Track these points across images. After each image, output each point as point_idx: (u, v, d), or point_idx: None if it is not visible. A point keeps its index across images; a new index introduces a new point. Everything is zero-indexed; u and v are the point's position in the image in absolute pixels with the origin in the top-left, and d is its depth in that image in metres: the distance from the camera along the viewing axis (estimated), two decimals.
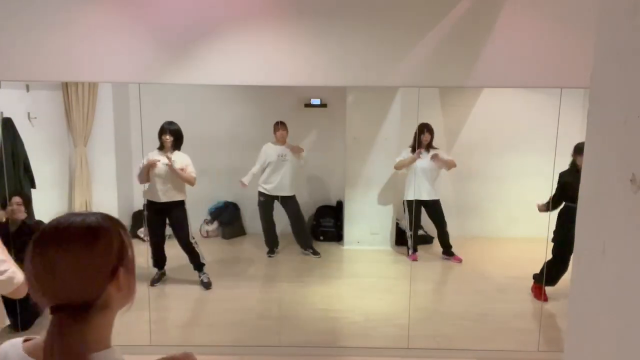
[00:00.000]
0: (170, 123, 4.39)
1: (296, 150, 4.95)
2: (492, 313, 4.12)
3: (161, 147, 4.40)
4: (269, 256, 5.15)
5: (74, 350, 0.91)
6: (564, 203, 4.15)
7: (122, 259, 1.00)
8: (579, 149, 4.09)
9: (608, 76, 0.88)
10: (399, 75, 3.24)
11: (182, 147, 4.54)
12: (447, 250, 5.03)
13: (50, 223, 0.99)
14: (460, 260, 4.99)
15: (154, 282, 4.40)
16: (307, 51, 3.23)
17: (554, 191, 4.11)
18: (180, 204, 4.44)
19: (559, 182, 4.13)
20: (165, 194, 4.34)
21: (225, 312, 4.08)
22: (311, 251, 5.18)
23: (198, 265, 4.51)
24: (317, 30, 3.22)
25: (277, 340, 3.62)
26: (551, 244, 4.13)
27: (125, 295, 1.01)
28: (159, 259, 4.48)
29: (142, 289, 4.22)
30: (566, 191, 4.10)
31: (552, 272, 4.17)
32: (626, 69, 0.81)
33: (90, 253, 0.96)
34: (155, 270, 4.48)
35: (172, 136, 4.36)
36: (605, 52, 0.89)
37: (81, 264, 0.94)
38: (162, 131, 4.36)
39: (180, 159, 4.39)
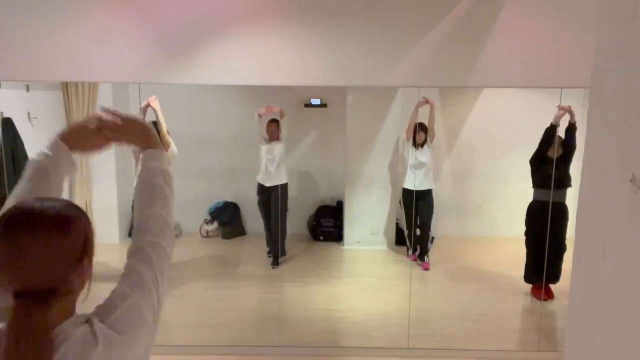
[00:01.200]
0: (152, 123, 4.32)
1: (282, 114, 4.81)
2: (492, 313, 4.12)
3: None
4: (269, 256, 5.15)
5: (38, 332, 0.92)
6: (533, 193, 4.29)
7: (87, 249, 1.02)
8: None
9: (608, 76, 0.88)
10: (399, 75, 3.24)
11: (182, 147, 4.52)
12: (421, 255, 4.95)
13: (18, 207, 0.98)
14: (427, 268, 4.87)
15: None
16: (307, 51, 3.23)
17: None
18: None
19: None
20: None
21: (225, 312, 4.08)
22: (272, 259, 5.03)
23: None
24: (317, 30, 3.21)
25: (277, 340, 3.62)
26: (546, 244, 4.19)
27: (85, 280, 1.03)
28: None
29: None
30: (535, 176, 4.26)
31: (530, 268, 4.23)
32: (626, 69, 0.81)
33: (62, 240, 0.97)
34: None
35: None
36: (605, 52, 0.89)
37: (52, 251, 0.95)
38: None
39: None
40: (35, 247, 0.94)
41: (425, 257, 4.93)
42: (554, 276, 4.13)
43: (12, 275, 0.94)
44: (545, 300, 4.16)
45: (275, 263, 5.01)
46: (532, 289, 4.32)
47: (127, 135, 1.32)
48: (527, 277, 4.31)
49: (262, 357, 3.48)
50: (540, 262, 4.07)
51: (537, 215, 4.19)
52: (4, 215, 0.97)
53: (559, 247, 4.08)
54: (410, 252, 5.08)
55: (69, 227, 0.98)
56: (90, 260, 1.03)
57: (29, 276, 0.94)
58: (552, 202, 3.94)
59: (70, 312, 1.01)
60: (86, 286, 1.05)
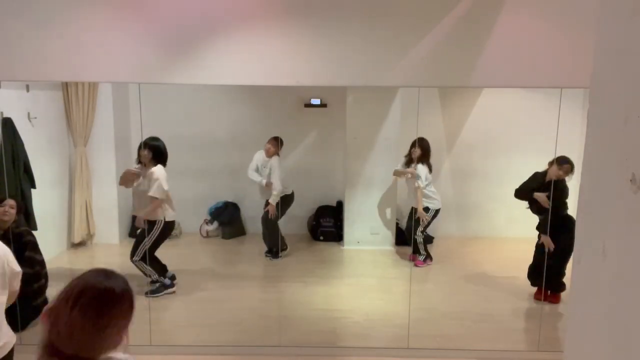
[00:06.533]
0: (153, 139, 4.18)
1: (268, 186, 4.99)
2: (492, 313, 4.12)
3: (140, 161, 4.24)
4: (267, 256, 5.17)
5: None
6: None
7: (130, 322, 1.17)
8: (559, 161, 4.08)
9: (608, 76, 0.88)
10: (399, 75, 3.24)
11: (182, 147, 4.51)
12: (413, 252, 5.02)
13: (90, 280, 1.12)
14: (415, 262, 4.94)
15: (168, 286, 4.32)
16: (307, 51, 3.23)
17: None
18: (152, 223, 4.21)
19: (527, 182, 4.26)
20: (139, 210, 4.23)
21: (225, 312, 4.08)
22: (270, 256, 5.12)
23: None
24: (317, 30, 3.22)
25: (277, 340, 3.62)
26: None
27: (116, 346, 1.15)
28: (161, 268, 4.35)
29: (142, 290, 4.22)
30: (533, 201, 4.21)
31: (535, 275, 4.23)
32: (626, 69, 0.81)
33: (125, 322, 1.13)
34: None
35: (150, 151, 4.15)
36: (605, 52, 0.89)
37: (115, 330, 1.11)
38: (141, 147, 4.16)
39: (153, 172, 4.16)
40: (109, 328, 1.09)
41: (418, 256, 4.97)
42: (559, 285, 4.12)
43: (79, 345, 1.06)
44: (552, 303, 4.16)
45: (275, 256, 5.07)
46: (536, 294, 4.29)
47: None
48: (533, 281, 4.30)
49: (262, 357, 3.48)
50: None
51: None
52: (82, 287, 1.10)
53: (566, 255, 4.02)
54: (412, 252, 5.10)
55: (131, 307, 1.15)
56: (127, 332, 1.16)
57: (91, 347, 1.07)
58: (558, 216, 3.94)
59: None
60: None
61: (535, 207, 4.20)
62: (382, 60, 3.22)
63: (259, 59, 3.22)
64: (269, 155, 5.01)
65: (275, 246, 5.09)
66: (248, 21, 3.20)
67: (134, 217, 4.53)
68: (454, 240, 5.43)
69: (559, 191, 4.01)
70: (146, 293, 4.19)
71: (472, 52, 3.19)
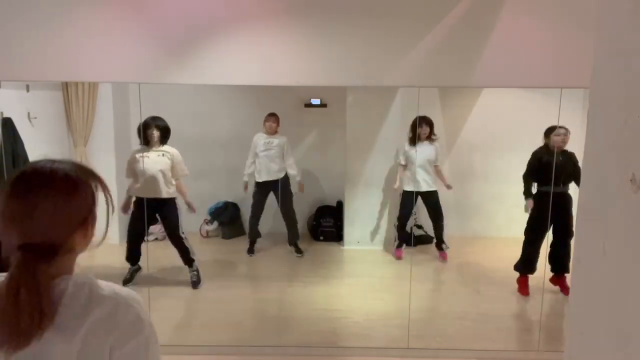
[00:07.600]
0: (155, 118, 4.27)
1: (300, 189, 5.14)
2: (492, 313, 4.12)
3: (146, 143, 4.27)
4: (249, 255, 5.20)
5: (40, 283, 0.98)
6: (535, 187, 4.34)
7: (92, 210, 1.09)
8: (549, 131, 4.25)
9: (608, 76, 0.88)
10: (399, 75, 3.24)
11: (182, 147, 4.52)
12: (439, 244, 5.07)
13: (29, 166, 1.05)
14: (444, 258, 5.04)
15: (126, 281, 4.29)
16: (307, 51, 3.22)
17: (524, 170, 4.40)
18: (170, 200, 4.37)
19: (531, 161, 4.34)
20: (155, 191, 4.27)
21: (224, 312, 4.08)
22: (294, 249, 5.20)
23: (187, 260, 4.42)
24: (317, 30, 3.21)
25: (277, 340, 3.62)
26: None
27: (87, 241, 1.10)
28: (134, 256, 4.43)
29: (142, 290, 4.22)
30: (539, 171, 4.27)
31: (526, 257, 4.28)
32: (626, 69, 0.81)
33: (68, 202, 1.04)
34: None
35: (158, 130, 4.27)
36: (605, 52, 0.89)
37: (58, 211, 1.02)
38: (146, 126, 4.21)
39: (172, 152, 4.34)
40: (43, 204, 1.01)
41: (443, 246, 5.02)
42: (563, 267, 4.18)
43: (20, 230, 1.00)
44: (564, 294, 4.20)
45: (299, 252, 5.20)
46: (520, 283, 4.31)
47: None
48: (523, 267, 4.32)
49: (262, 357, 3.48)
50: (537, 254, 4.14)
51: (542, 204, 4.18)
52: (17, 172, 1.04)
53: (567, 234, 4.10)
54: (395, 245, 5.11)
55: (75, 190, 1.05)
56: (94, 220, 1.10)
57: (35, 231, 1.01)
58: (556, 192, 3.99)
59: (70, 269, 1.07)
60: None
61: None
62: (382, 60, 3.22)
63: (259, 59, 3.22)
64: (272, 132, 4.98)
65: (297, 237, 5.19)
66: (248, 21, 3.20)
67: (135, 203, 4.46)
68: (454, 239, 5.42)
69: (573, 163, 4.09)
70: (194, 286, 4.39)
71: (472, 52, 3.19)
